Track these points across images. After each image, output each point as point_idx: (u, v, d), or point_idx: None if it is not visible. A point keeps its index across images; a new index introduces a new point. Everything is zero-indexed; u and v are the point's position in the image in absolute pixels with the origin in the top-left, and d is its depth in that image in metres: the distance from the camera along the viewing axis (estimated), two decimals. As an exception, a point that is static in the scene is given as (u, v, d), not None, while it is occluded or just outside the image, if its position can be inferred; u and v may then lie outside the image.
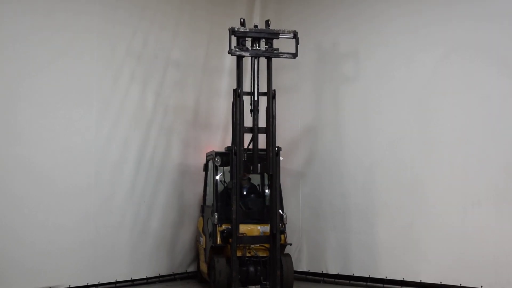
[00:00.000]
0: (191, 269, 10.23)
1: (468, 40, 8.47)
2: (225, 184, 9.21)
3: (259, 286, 8.52)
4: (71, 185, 8.74)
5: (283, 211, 8.94)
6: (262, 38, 8.48)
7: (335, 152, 9.78)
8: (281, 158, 8.68)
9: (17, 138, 8.35)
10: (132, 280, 9.46)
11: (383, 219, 9.25)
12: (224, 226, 8.67)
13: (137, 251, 9.50)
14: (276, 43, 8.63)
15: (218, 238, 8.63)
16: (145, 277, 9.61)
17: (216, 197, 8.95)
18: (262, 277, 8.63)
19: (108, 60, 9.17)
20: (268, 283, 8.58)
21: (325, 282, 9.81)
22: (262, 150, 8.67)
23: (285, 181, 9.82)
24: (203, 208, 9.74)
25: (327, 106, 9.95)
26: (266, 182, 9.14)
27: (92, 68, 8.98)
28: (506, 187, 8.14)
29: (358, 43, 9.55)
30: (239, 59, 8.46)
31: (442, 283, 8.56)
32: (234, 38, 8.43)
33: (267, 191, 9.15)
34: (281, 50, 8.54)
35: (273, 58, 8.51)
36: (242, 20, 8.51)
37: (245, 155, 8.34)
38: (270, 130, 8.51)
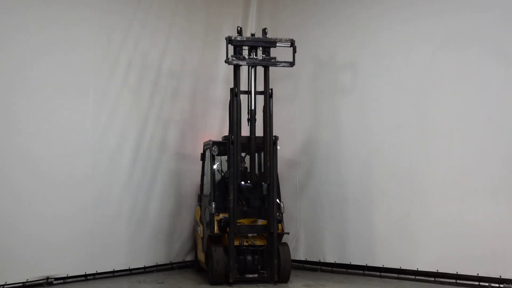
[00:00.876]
0: (189, 258, 10.26)
1: (465, 30, 8.48)
2: (222, 174, 9.22)
3: (256, 275, 8.58)
4: (68, 175, 8.73)
5: (280, 200, 9.00)
6: (259, 47, 8.57)
7: (332, 141, 9.76)
8: (278, 147, 8.75)
9: (15, 129, 8.34)
10: (130, 269, 9.50)
11: (380, 208, 9.25)
12: (221, 215, 8.70)
13: (135, 240, 9.53)
14: (273, 49, 8.72)
15: (216, 228, 8.67)
16: (142, 266, 9.64)
17: (214, 187, 8.97)
18: (259, 266, 8.69)
19: (104, 50, 9.15)
20: (265, 272, 8.64)
21: (322, 270, 9.84)
22: (259, 137, 8.74)
23: (283, 170, 9.80)
24: (200, 197, 9.76)
25: (324, 96, 9.93)
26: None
27: (88, 58, 8.96)
28: (503, 176, 8.14)
29: (355, 32, 9.58)
30: (236, 68, 8.53)
31: (439, 271, 8.59)
32: (231, 46, 8.56)
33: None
34: (278, 58, 8.63)
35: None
36: (239, 28, 8.62)
37: (242, 165, 8.45)
38: (267, 131, 8.52)
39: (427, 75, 8.81)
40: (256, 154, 8.89)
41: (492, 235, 8.12)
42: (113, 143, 9.27)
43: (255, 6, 10.31)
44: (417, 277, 8.82)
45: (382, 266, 9.23)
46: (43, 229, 8.46)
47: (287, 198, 9.89)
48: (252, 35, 8.69)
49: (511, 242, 7.99)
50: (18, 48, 8.35)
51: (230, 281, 8.42)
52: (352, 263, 9.52)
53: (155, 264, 9.81)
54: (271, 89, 8.57)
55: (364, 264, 9.40)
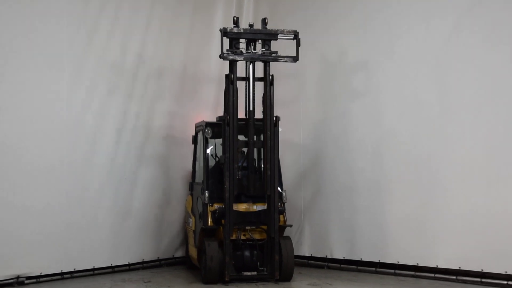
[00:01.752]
0: (179, 254, 10.24)
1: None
2: (217, 159, 9.10)
3: (255, 272, 8.52)
4: (40, 160, 8.61)
5: (282, 189, 8.93)
6: (259, 39, 8.51)
7: (341, 121, 9.73)
8: (279, 129, 8.64)
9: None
10: (112, 267, 9.41)
11: (395, 197, 9.16)
12: (215, 206, 8.65)
13: (118, 234, 9.44)
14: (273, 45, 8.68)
15: (209, 219, 8.61)
16: (127, 263, 9.59)
17: (207, 173, 8.91)
18: (258, 263, 8.62)
19: (79, 16, 8.99)
20: (265, 269, 8.59)
21: (329, 267, 9.82)
22: (258, 120, 8.66)
23: (285, 155, 9.73)
24: (192, 185, 9.69)
25: (333, 69, 9.84)
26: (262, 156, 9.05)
27: (61, 25, 8.78)
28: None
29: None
30: (232, 63, 8.47)
31: (462, 268, 8.50)
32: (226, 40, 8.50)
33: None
34: (279, 53, 8.60)
35: (270, 62, 8.57)
36: (235, 18, 8.55)
37: (239, 172, 8.47)
38: (267, 111, 8.45)
39: (450, 46, 8.67)
40: (255, 137, 8.77)
41: (524, 227, 8.03)
42: (92, 123, 9.15)
43: None
44: (436, 275, 8.75)
45: (396, 262, 9.16)
46: (12, 222, 8.33)
47: (290, 186, 9.79)
48: (250, 26, 8.62)
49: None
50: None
51: (226, 279, 8.36)
52: (363, 259, 9.48)
53: (141, 260, 9.78)
54: (272, 76, 8.50)
55: (377, 261, 9.35)
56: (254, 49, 8.55)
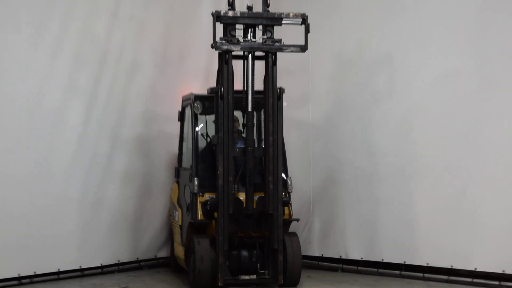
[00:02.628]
0: (162, 254, 10.21)
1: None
2: (208, 139, 9.05)
3: (254, 276, 8.46)
4: None
5: (287, 175, 8.94)
6: (259, 25, 8.49)
7: (360, 94, 9.68)
8: (284, 104, 8.64)
9: None
10: (81, 270, 9.35)
11: (425, 185, 9.09)
12: (207, 196, 8.65)
13: (88, 230, 9.38)
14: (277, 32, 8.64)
15: (199, 212, 8.59)
16: (99, 265, 9.52)
17: (196, 157, 8.90)
18: (259, 264, 8.58)
19: None
20: (267, 272, 8.53)
21: (344, 270, 9.77)
22: (258, 92, 8.65)
23: (290, 135, 9.71)
24: (178, 171, 9.65)
25: (351, 34, 9.80)
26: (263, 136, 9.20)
27: None
28: None
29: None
30: (226, 55, 8.47)
31: (506, 272, 8.43)
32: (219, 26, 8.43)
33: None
34: (284, 41, 8.56)
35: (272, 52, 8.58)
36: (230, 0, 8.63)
37: (236, 186, 8.46)
38: (268, 85, 8.41)
39: (491, 6, 8.68)
40: (255, 113, 8.76)
41: None
42: (56, 96, 9.05)
43: None
44: (474, 280, 8.68)
45: (426, 264, 9.06)
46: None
47: (297, 172, 9.65)
48: (249, 8, 8.62)
49: None
50: None
51: (219, 284, 8.27)
52: (385, 260, 9.42)
53: (116, 262, 9.70)
54: (274, 55, 8.46)
55: (402, 262, 9.28)
56: (254, 36, 8.54)
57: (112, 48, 9.51)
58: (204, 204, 8.51)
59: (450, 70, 8.89)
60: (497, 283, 8.41)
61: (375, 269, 9.42)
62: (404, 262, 9.16)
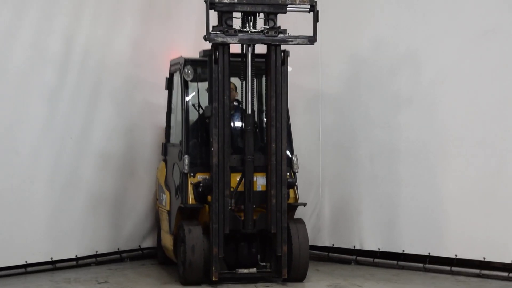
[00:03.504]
0: (148, 244, 10.19)
1: None
2: (201, 111, 9.00)
3: (254, 269, 8.42)
4: None
5: (292, 153, 8.94)
6: (260, 12, 8.46)
7: (376, 56, 9.60)
8: (289, 69, 8.62)
9: None
10: (52, 262, 9.22)
11: (453, 163, 9.02)
12: (199, 177, 8.59)
13: (61, 216, 9.29)
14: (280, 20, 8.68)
15: (190, 196, 8.54)
16: (73, 256, 9.44)
17: (187, 131, 8.87)
18: (259, 256, 8.58)
19: None
20: (268, 265, 8.52)
21: (358, 263, 9.75)
22: (259, 55, 8.65)
23: (297, 106, 9.70)
24: (165, 148, 9.64)
25: None
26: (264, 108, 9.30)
27: None
28: None
29: None
30: (222, 47, 8.42)
31: None
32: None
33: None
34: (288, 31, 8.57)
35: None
36: None
37: (233, 201, 8.45)
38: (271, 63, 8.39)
39: None
40: (255, 81, 8.74)
41: None
42: (22, 57, 8.94)
43: None
44: (510, 275, 8.62)
45: (454, 256, 8.97)
46: None
47: (304, 150, 9.66)
48: None
49: None
50: None
51: (213, 278, 8.23)
52: (407, 251, 9.36)
53: (94, 253, 9.64)
54: (285, 49, 8.46)
55: (426, 254, 9.19)
56: (254, 26, 8.51)
57: (88, 1, 9.44)
58: (196, 186, 8.46)
59: (486, 27, 8.84)
60: (538, 277, 8.27)
61: (395, 262, 9.41)
62: (429, 253, 9.12)
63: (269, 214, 8.38)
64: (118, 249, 9.82)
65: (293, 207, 8.64)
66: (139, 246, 10.03)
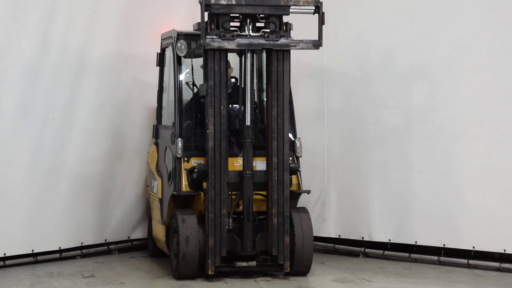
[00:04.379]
0: (137, 235, 10.23)
1: None
2: (195, 89, 9.02)
3: (254, 262, 8.46)
4: None
5: (295, 136, 9.01)
6: (260, 15, 8.49)
7: (389, 28, 9.58)
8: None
9: None
10: (33, 254, 9.25)
11: (471, 147, 9.06)
12: (193, 162, 8.57)
13: (42, 206, 9.31)
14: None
15: (184, 182, 8.59)
16: (57, 248, 9.44)
17: (180, 112, 8.89)
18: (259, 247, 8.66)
19: None
20: (269, 257, 8.53)
21: (367, 255, 9.80)
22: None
23: (300, 85, 9.77)
24: (157, 130, 9.69)
25: None
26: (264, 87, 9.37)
27: None
28: None
29: None
30: (220, 54, 8.46)
31: None
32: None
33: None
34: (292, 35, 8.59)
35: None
36: None
37: (230, 220, 8.43)
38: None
39: None
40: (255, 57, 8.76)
41: None
42: None
43: None
44: None
45: (472, 248, 9.01)
46: None
47: (307, 132, 9.72)
48: None
49: None
50: None
51: (209, 272, 8.25)
52: (420, 243, 9.39)
53: (79, 245, 9.67)
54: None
55: (441, 246, 9.23)
56: (254, 29, 8.53)
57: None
58: (190, 171, 8.47)
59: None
60: None
61: (407, 254, 9.44)
62: (444, 245, 9.15)
63: (269, 203, 8.28)
64: (106, 240, 9.83)
65: (296, 195, 8.64)
66: (128, 237, 10.06)
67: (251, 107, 8.56)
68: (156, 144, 9.54)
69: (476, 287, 8.23)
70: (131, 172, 10.04)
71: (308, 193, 8.98)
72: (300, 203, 8.80)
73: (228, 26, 8.45)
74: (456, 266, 9.04)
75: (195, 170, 8.41)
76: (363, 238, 9.77)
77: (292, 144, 8.77)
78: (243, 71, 8.62)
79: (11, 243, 8.94)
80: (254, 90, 8.86)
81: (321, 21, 8.49)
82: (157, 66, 9.53)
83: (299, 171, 8.77)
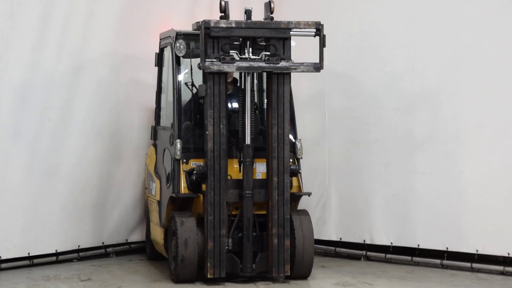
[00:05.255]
0: (135, 237, 10.25)
1: None
2: (194, 90, 9.04)
3: (253, 265, 8.44)
4: None
5: (295, 137, 9.00)
6: (261, 38, 8.52)
7: (391, 26, 9.59)
8: (292, 44, 8.64)
9: None
10: (30, 257, 9.25)
11: (475, 149, 9.03)
12: (192, 163, 8.61)
13: (39, 207, 9.30)
14: None
15: (183, 184, 8.57)
16: (53, 251, 9.44)
17: (179, 113, 8.86)
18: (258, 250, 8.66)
19: None
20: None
21: (368, 258, 9.80)
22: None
23: (301, 84, 9.74)
24: (155, 131, 9.69)
25: None
26: (264, 87, 9.34)
27: None
28: None
29: None
30: (220, 76, 8.45)
31: None
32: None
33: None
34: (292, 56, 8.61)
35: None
36: (223, 3, 8.62)
37: (230, 241, 8.42)
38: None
39: None
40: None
41: None
42: None
43: None
44: None
45: (475, 252, 9.00)
46: None
47: (308, 133, 9.74)
48: (247, 12, 8.70)
49: None
50: None
51: (208, 276, 8.23)
52: (422, 246, 9.39)
53: (76, 248, 9.67)
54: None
55: (444, 249, 9.22)
56: (253, 52, 8.56)
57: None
58: (189, 173, 8.46)
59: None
60: None
61: (409, 258, 9.42)
62: (447, 248, 9.14)
63: (269, 210, 8.23)
64: (103, 243, 9.84)
65: (296, 197, 8.63)
66: (126, 240, 10.06)
67: (251, 125, 8.51)
68: (155, 145, 9.53)
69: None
70: (129, 174, 10.05)
71: (309, 195, 8.95)
72: (300, 206, 8.79)
73: (227, 49, 8.48)
74: (459, 270, 9.01)
75: (194, 172, 8.40)
76: (364, 241, 9.76)
77: (293, 145, 8.77)
78: (242, 90, 8.58)
79: (6, 246, 8.93)
80: (254, 110, 8.75)
81: (322, 44, 8.53)
82: (155, 66, 9.51)
83: (300, 173, 8.76)
